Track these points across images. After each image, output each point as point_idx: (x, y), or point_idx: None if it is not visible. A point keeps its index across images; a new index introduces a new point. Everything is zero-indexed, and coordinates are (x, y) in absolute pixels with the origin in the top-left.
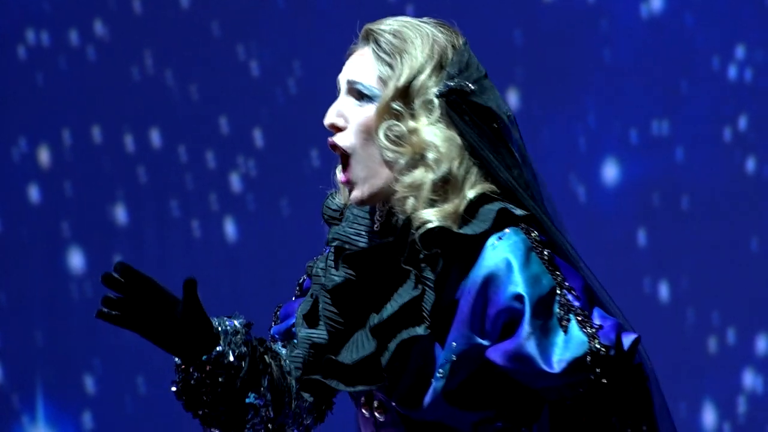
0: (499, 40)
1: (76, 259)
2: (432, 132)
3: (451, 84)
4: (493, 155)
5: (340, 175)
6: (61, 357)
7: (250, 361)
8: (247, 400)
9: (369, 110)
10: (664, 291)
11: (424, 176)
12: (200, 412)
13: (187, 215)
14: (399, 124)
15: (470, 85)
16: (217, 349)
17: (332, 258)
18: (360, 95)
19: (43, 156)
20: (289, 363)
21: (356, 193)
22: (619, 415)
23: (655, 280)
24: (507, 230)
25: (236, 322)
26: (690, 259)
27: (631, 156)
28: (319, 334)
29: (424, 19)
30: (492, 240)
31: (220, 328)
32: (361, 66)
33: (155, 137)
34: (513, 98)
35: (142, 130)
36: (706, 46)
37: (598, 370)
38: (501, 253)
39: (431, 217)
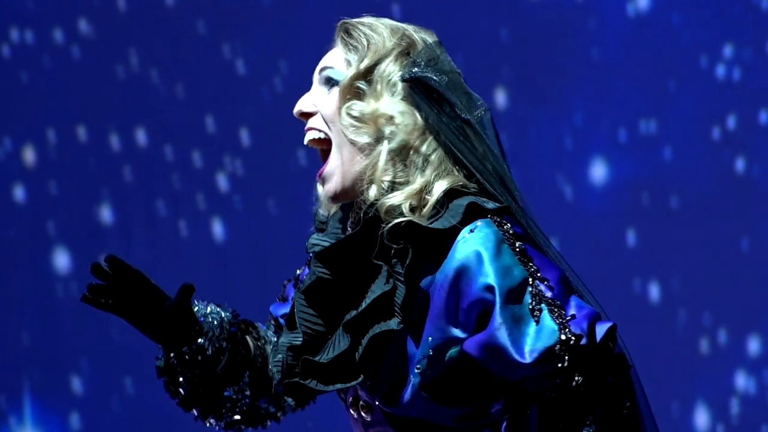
0: (485, 39)
1: (61, 259)
2: (389, 105)
3: (417, 71)
4: (461, 143)
5: (322, 188)
6: (48, 357)
7: (230, 356)
8: (225, 393)
9: (334, 93)
10: (654, 292)
11: (381, 149)
12: (180, 394)
13: (174, 215)
14: (360, 102)
15: (434, 77)
16: (198, 341)
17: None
18: (328, 81)
19: (28, 155)
20: (272, 367)
21: (329, 186)
22: (603, 405)
23: (646, 281)
24: (479, 223)
25: (223, 314)
26: (680, 260)
27: (619, 155)
28: (297, 336)
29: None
30: (463, 233)
31: (204, 321)
32: (331, 55)
33: (141, 136)
34: (500, 97)
35: (128, 130)
36: (694, 45)
37: (568, 359)
38: (471, 245)
39: (395, 200)
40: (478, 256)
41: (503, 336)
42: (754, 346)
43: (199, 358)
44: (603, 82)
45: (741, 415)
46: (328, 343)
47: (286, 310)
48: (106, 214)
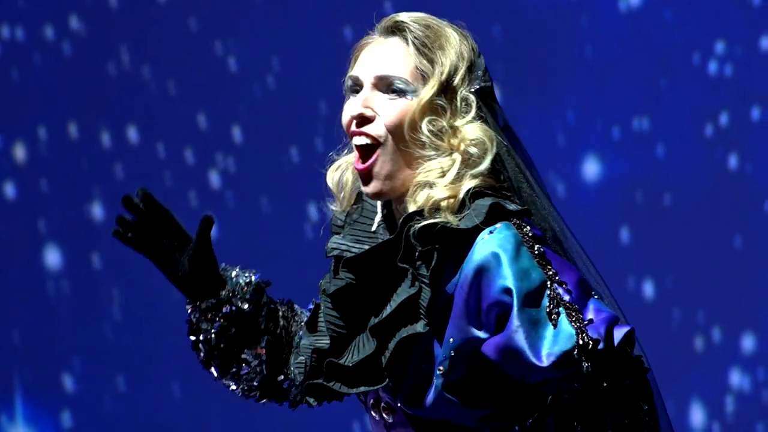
0: (478, 36)
1: (53, 257)
2: (470, 128)
3: (482, 85)
4: (508, 153)
5: (360, 166)
6: (40, 356)
7: (249, 317)
8: (243, 355)
9: (403, 104)
10: (648, 289)
11: (455, 161)
12: (200, 349)
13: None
14: (440, 119)
15: (490, 89)
16: (221, 294)
17: (333, 268)
18: (392, 89)
19: (19, 152)
20: (293, 369)
21: (375, 185)
22: (621, 408)
23: (640, 279)
24: (498, 225)
25: (253, 278)
26: (673, 257)
27: (612, 153)
28: (320, 338)
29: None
30: (483, 234)
31: (231, 279)
32: (394, 59)
33: (132, 134)
34: None
35: (120, 127)
36: (686, 42)
37: (586, 364)
38: (490, 246)
39: (439, 194)
40: (497, 257)
41: (520, 339)
42: (748, 343)
43: (222, 312)
44: (596, 80)
45: (736, 412)
46: (351, 345)
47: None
48: (97, 211)
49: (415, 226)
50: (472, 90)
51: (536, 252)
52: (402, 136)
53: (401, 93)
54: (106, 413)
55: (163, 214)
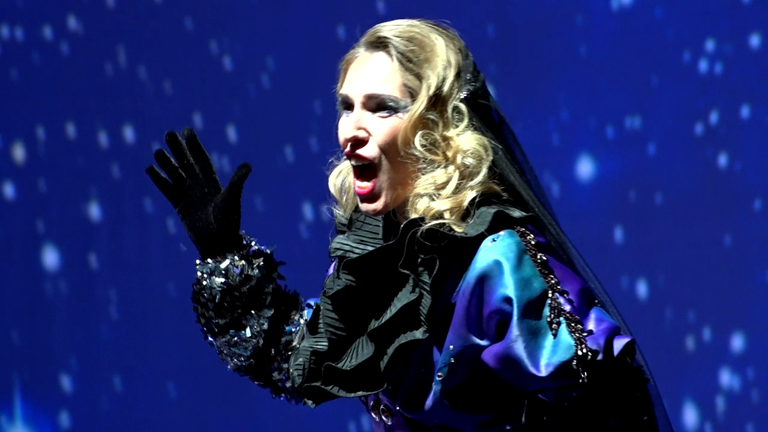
0: (472, 36)
1: (51, 257)
2: (466, 139)
3: (471, 88)
4: (505, 156)
5: (357, 187)
6: (38, 356)
7: (257, 285)
8: (243, 320)
9: (394, 122)
10: (642, 289)
11: (452, 176)
12: (202, 306)
13: (163, 212)
14: (432, 132)
15: (481, 88)
16: (236, 253)
17: (336, 268)
18: (382, 107)
19: (18, 152)
20: (292, 370)
21: (377, 205)
22: (620, 418)
23: (633, 278)
24: (501, 233)
25: (269, 251)
26: (665, 257)
27: (605, 152)
28: (319, 340)
29: (420, 21)
30: (486, 242)
31: (249, 243)
32: (381, 77)
33: (129, 133)
34: None
35: (116, 126)
36: (677, 40)
37: (585, 375)
38: (492, 254)
39: (442, 206)
40: (499, 265)
41: (519, 348)
42: (737, 343)
43: (228, 271)
44: (587, 79)
45: (726, 412)
46: (350, 349)
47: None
48: (95, 211)
49: (419, 231)
50: (462, 97)
51: (539, 260)
52: (396, 153)
53: (391, 111)
54: (104, 412)
55: (203, 158)
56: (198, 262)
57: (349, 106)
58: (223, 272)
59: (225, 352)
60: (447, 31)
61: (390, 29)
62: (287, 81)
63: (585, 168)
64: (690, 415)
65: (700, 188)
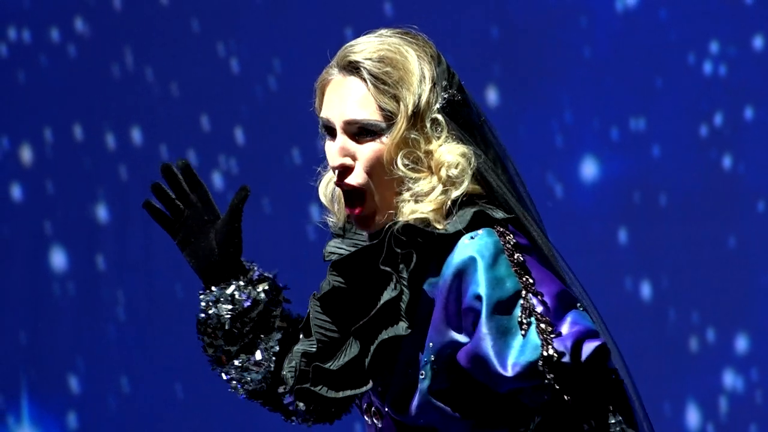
0: (476, 37)
1: (58, 258)
2: (447, 151)
3: (446, 96)
4: (486, 162)
5: (348, 210)
6: (45, 357)
7: (264, 309)
8: (255, 347)
9: (375, 145)
10: (646, 290)
11: (436, 187)
12: (210, 335)
13: None
14: (414, 150)
15: (457, 93)
16: (241, 278)
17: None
18: (363, 132)
19: (25, 154)
20: (286, 373)
21: (369, 227)
22: (593, 420)
23: (637, 280)
24: (480, 231)
25: (271, 275)
26: (669, 258)
27: (609, 153)
28: (311, 343)
29: (387, 32)
30: (464, 239)
31: (252, 268)
32: (357, 102)
33: (136, 135)
34: (490, 95)
35: (124, 128)
36: (681, 42)
37: (551, 376)
38: (469, 251)
39: (425, 209)
40: (474, 261)
41: (487, 347)
42: (741, 344)
43: (235, 297)
44: (591, 80)
45: (729, 413)
46: (341, 350)
47: None
48: (102, 212)
49: (396, 227)
50: (438, 107)
51: (516, 260)
52: (383, 174)
53: (372, 135)
54: (111, 413)
55: (199, 186)
56: (201, 292)
57: (330, 130)
58: (229, 298)
59: (236, 378)
60: (417, 39)
61: (360, 52)
62: (294, 83)
63: (589, 169)
64: (692, 416)
65: (704, 190)
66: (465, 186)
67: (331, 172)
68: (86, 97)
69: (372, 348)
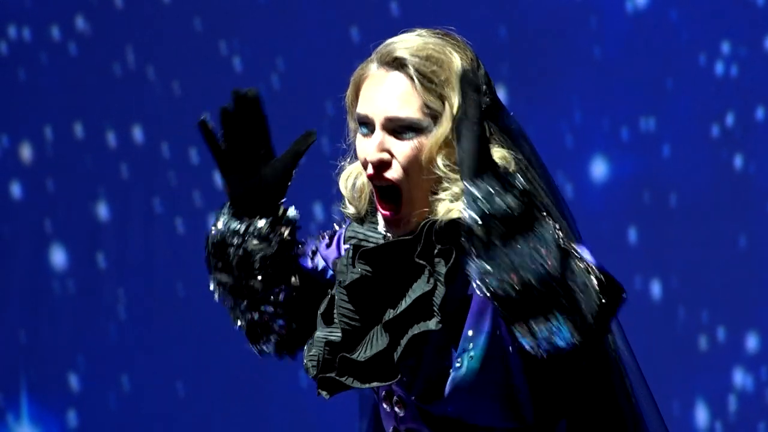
0: (484, 37)
1: (58, 256)
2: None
3: (487, 101)
4: (527, 167)
5: (381, 207)
6: (45, 355)
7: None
8: (288, 279)
9: (415, 143)
10: (656, 289)
11: None
12: (242, 266)
13: (171, 212)
14: (455, 150)
15: (494, 96)
16: (282, 215)
17: (351, 256)
18: (404, 129)
19: (26, 152)
20: (306, 361)
21: (399, 227)
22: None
23: (647, 279)
24: None
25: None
26: (679, 257)
27: (619, 153)
28: (333, 331)
29: (426, 32)
30: None
31: (287, 214)
32: (401, 99)
33: (138, 133)
34: (499, 95)
35: (125, 127)
36: (692, 43)
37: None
38: None
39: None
40: None
41: None
42: (751, 343)
43: (277, 231)
44: (601, 80)
45: (739, 412)
46: (365, 340)
47: (306, 264)
48: (102, 211)
49: (438, 223)
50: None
51: None
52: (420, 173)
53: (414, 133)
54: (111, 412)
55: (262, 120)
56: (229, 212)
57: (367, 125)
58: (261, 232)
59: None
60: (457, 42)
61: (405, 48)
62: (297, 82)
63: (599, 169)
64: (701, 415)
65: (714, 190)
66: None
67: (357, 165)
68: (87, 96)
69: (402, 342)
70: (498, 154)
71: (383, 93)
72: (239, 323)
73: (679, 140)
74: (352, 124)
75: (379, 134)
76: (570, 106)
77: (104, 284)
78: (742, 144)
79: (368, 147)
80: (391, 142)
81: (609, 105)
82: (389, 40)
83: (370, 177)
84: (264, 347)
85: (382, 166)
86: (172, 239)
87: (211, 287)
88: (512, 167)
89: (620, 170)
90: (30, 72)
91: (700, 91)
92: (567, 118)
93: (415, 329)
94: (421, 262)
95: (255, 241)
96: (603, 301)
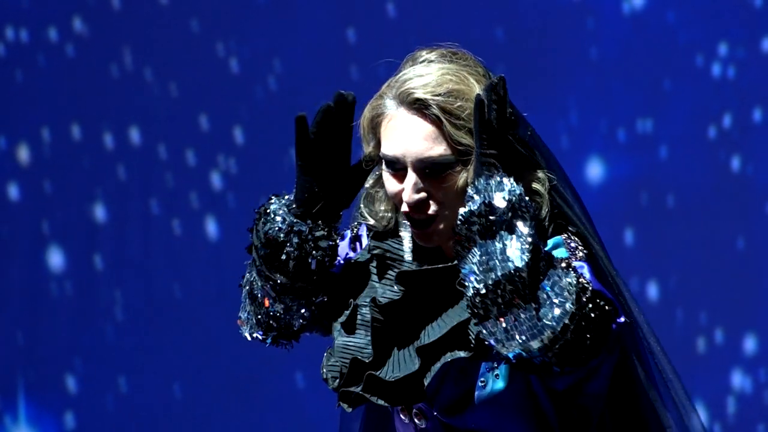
0: (481, 38)
1: (56, 258)
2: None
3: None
4: (559, 183)
5: (415, 233)
6: (43, 357)
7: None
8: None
9: (450, 178)
10: (653, 291)
11: None
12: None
13: (168, 213)
14: None
15: (514, 112)
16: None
17: (375, 265)
18: (438, 168)
19: (23, 154)
20: (326, 371)
21: (433, 240)
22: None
23: (644, 280)
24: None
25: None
26: (677, 259)
27: (616, 154)
28: (359, 344)
29: (433, 55)
30: None
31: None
32: (430, 140)
33: (135, 135)
34: None
35: (122, 128)
36: (689, 44)
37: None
38: None
39: None
40: None
41: None
42: (749, 345)
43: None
44: (598, 81)
45: (737, 414)
46: (392, 358)
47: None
48: (100, 212)
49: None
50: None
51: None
52: (456, 202)
53: (447, 168)
54: (109, 414)
55: (349, 129)
56: (290, 210)
57: (396, 164)
58: (322, 239)
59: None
60: (467, 60)
61: (423, 87)
62: (294, 83)
63: (595, 170)
64: (700, 416)
65: (712, 191)
66: (546, 210)
67: (384, 196)
68: (84, 97)
69: (434, 368)
70: (536, 181)
71: (411, 136)
72: (258, 319)
73: (677, 141)
74: (367, 150)
75: (413, 176)
76: (567, 107)
77: (101, 286)
78: (740, 145)
79: (403, 187)
80: (427, 181)
81: (606, 106)
82: (403, 75)
83: (405, 213)
84: (284, 338)
85: (419, 205)
86: (169, 241)
87: (245, 282)
88: (546, 186)
89: (617, 171)
90: (27, 73)
91: (697, 92)
92: (564, 119)
93: (448, 356)
94: (461, 289)
95: (313, 245)
96: (582, 313)
